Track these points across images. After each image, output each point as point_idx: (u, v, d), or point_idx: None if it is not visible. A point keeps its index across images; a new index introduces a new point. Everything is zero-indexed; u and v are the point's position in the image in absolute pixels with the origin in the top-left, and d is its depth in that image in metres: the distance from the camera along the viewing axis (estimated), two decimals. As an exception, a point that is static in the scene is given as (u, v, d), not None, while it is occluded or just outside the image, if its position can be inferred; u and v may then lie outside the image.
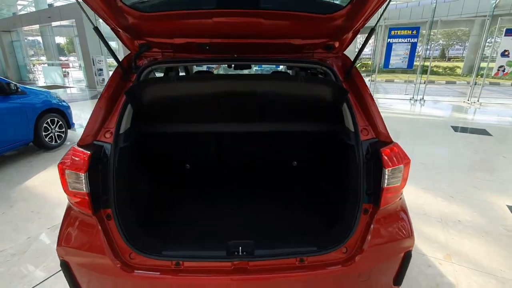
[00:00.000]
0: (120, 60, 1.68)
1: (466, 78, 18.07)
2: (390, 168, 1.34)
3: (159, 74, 2.55)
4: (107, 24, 1.46)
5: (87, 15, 1.36)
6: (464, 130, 6.45)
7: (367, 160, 1.44)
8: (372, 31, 1.50)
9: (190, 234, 1.78)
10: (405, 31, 9.44)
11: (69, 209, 1.46)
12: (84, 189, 1.31)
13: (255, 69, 13.06)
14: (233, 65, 2.36)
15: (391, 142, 1.46)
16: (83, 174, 1.29)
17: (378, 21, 1.49)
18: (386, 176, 1.34)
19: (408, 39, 9.41)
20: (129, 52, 1.76)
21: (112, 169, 1.39)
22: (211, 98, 1.79)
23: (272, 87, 1.77)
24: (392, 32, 9.52)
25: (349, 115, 1.58)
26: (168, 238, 1.69)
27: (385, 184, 1.35)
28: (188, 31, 1.55)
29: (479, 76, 10.62)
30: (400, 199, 1.52)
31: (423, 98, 10.30)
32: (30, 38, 21.84)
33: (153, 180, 2.21)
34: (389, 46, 9.56)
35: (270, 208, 2.08)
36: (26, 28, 17.28)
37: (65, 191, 1.37)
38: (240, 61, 1.79)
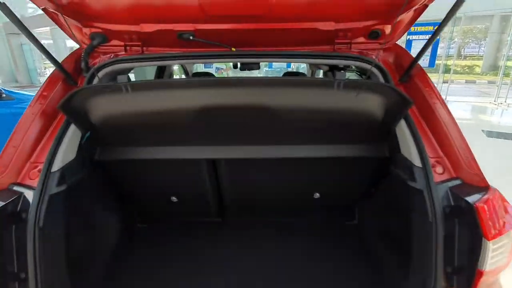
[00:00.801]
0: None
1: (486, 77, 17.15)
2: (495, 239, 0.79)
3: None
4: (35, 3, 0.99)
5: None
6: (497, 135, 5.85)
7: (446, 216, 0.90)
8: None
9: None
10: (426, 27, 8.76)
11: None
12: None
13: (265, 69, 11.81)
14: (238, 65, 1.77)
15: (487, 187, 0.90)
16: None
17: None
18: (490, 253, 0.79)
19: (429, 35, 8.73)
20: (78, 47, 1.27)
21: (33, 232, 0.90)
22: (198, 115, 1.20)
23: (293, 99, 1.14)
24: (412, 29, 8.85)
25: (410, 138, 1.04)
26: None
27: (486, 266, 0.80)
28: (162, 13, 1.05)
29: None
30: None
31: (446, 98, 9.60)
32: (45, 41, 21.97)
33: (118, 230, 1.67)
34: (409, 44, 8.89)
35: (287, 273, 1.50)
36: (36, 30, 17.22)
37: None
38: (239, 57, 1.25)
